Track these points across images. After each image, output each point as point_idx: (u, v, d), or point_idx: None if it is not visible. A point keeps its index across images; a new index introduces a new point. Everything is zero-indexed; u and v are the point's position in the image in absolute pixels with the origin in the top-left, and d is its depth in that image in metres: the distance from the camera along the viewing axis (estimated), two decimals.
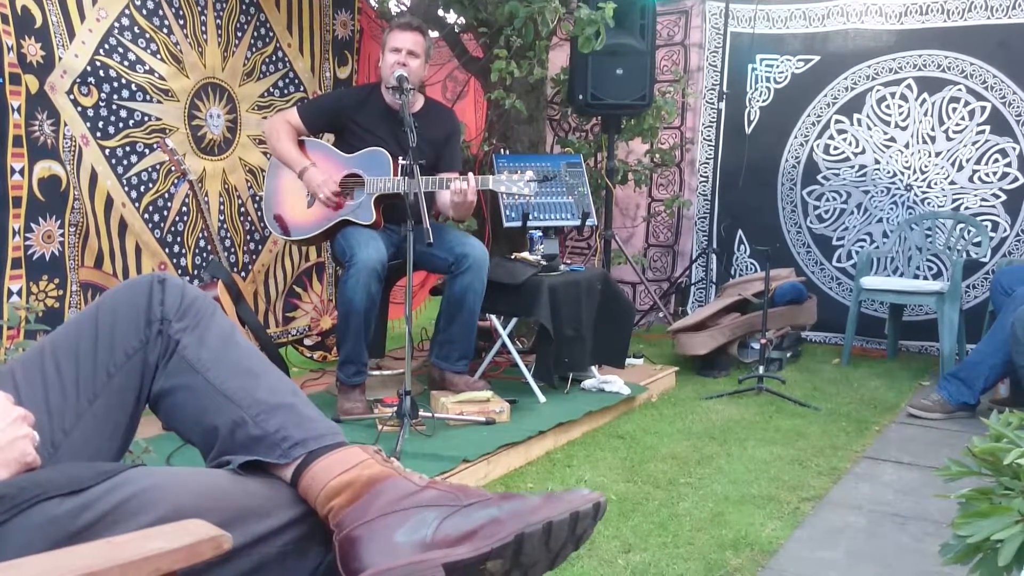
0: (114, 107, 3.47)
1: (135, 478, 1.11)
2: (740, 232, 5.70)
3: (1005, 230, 4.96)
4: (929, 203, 5.15)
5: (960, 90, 5.04)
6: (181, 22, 3.70)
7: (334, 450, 1.28)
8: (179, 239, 3.80)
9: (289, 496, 1.24)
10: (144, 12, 3.55)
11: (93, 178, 3.41)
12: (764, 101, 5.59)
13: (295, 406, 1.33)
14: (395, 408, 3.14)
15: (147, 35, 3.56)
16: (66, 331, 1.34)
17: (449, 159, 3.78)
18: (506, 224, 4.39)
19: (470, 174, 3.47)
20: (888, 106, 5.24)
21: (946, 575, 2.25)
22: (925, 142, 5.15)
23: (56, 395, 1.27)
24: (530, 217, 4.28)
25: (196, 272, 3.86)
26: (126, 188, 3.55)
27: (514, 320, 4.01)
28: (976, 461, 1.39)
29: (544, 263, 3.90)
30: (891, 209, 5.26)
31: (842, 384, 4.47)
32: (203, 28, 3.81)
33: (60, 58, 3.23)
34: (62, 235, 3.26)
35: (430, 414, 3.27)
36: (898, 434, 3.67)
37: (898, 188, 5.23)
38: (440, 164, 3.73)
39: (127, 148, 3.54)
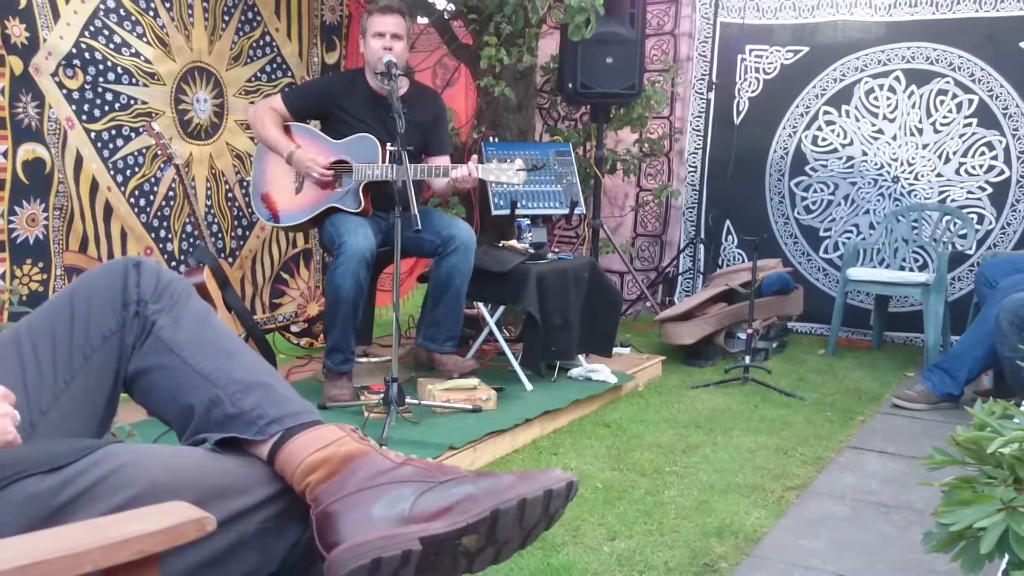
0: (100, 90, 3.44)
1: (113, 455, 1.11)
2: (728, 222, 5.71)
3: (991, 223, 4.98)
4: (916, 195, 5.17)
5: (948, 83, 5.05)
6: (167, 5, 3.67)
7: (310, 428, 1.29)
8: (165, 224, 3.77)
9: (266, 473, 1.25)
10: None
11: (78, 161, 3.38)
12: (753, 92, 5.59)
13: (271, 385, 1.34)
14: (382, 395, 3.14)
15: (133, 18, 3.53)
16: (42, 314, 1.34)
17: (438, 142, 3.77)
18: (494, 212, 4.39)
19: (470, 163, 3.46)
20: (876, 98, 5.25)
21: (928, 563, 2.27)
22: (912, 134, 5.16)
23: (33, 376, 1.27)
24: (518, 205, 4.27)
25: (183, 257, 3.83)
26: (112, 172, 3.52)
27: (501, 308, 4.01)
28: (959, 450, 1.40)
29: (532, 251, 3.90)
30: (878, 201, 5.28)
31: (827, 374, 4.49)
32: (190, 11, 3.78)
33: (45, 39, 3.20)
34: (46, 219, 3.24)
35: (416, 401, 3.27)
36: (882, 424, 3.69)
37: (885, 180, 5.25)
38: (429, 148, 3.73)
39: (113, 131, 3.51)
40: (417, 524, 1.18)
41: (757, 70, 5.57)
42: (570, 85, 4.77)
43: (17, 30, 3.09)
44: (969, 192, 5.03)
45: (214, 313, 1.43)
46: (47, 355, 1.29)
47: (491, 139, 4.70)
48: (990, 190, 4.98)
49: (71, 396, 1.30)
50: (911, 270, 5.11)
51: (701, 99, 5.70)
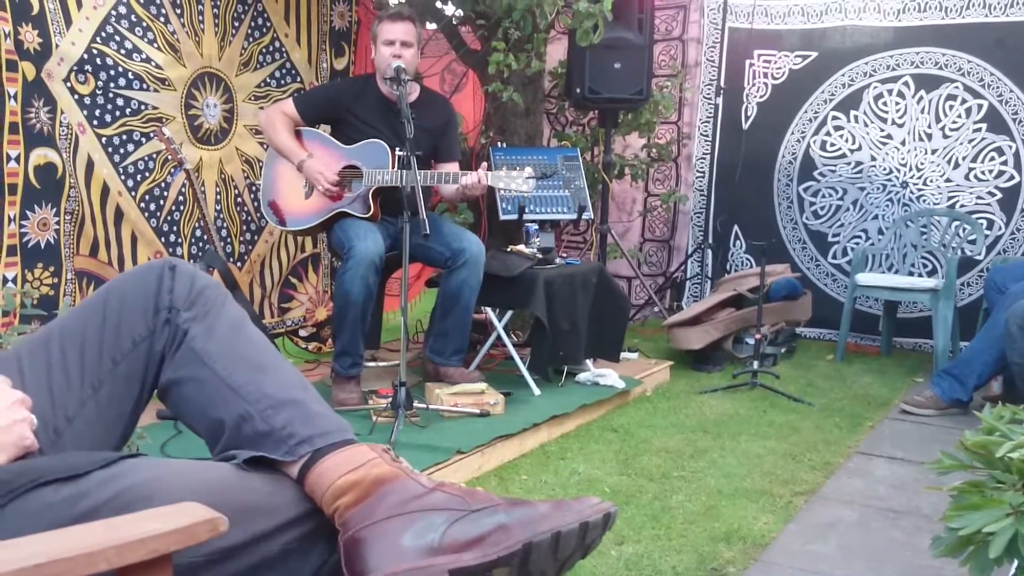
0: (111, 95, 3.46)
1: (135, 468, 1.10)
2: (736, 227, 5.71)
3: (1000, 228, 4.97)
4: (925, 200, 5.16)
5: (957, 87, 5.04)
6: (178, 11, 3.69)
7: (341, 448, 1.25)
8: (175, 228, 3.79)
9: (294, 494, 1.22)
10: (141, 1, 3.54)
11: (89, 166, 3.40)
12: (761, 97, 5.59)
13: (303, 402, 1.30)
14: (390, 399, 3.14)
15: (144, 24, 3.55)
16: (74, 316, 1.32)
17: (447, 148, 3.78)
18: (502, 217, 4.39)
19: (480, 171, 3.47)
20: (885, 103, 5.24)
21: (937, 569, 2.27)
22: (921, 139, 5.15)
23: (60, 381, 1.26)
24: (526, 210, 4.28)
25: (192, 262, 3.85)
26: (122, 177, 3.54)
27: (509, 313, 4.01)
28: (968, 454, 1.40)
29: (540, 256, 3.90)
30: (887, 206, 5.27)
31: (836, 380, 4.48)
32: (200, 17, 3.80)
33: (57, 45, 3.22)
34: (58, 223, 3.25)
35: (425, 405, 3.27)
36: (891, 430, 3.69)
37: (894, 185, 5.24)
38: (439, 154, 3.74)
39: (124, 137, 3.53)
40: (447, 555, 1.15)
41: (765, 75, 5.57)
42: (578, 90, 4.77)
43: (30, 36, 3.11)
44: (978, 197, 5.01)
45: (248, 320, 1.39)
46: (75, 359, 1.27)
47: (499, 144, 4.71)
48: (1000, 195, 4.97)
49: (98, 402, 1.28)
50: (920, 275, 5.10)
51: (709, 104, 5.70)
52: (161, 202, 3.72)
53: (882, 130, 5.25)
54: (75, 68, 3.30)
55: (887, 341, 5.14)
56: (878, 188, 5.28)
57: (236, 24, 3.98)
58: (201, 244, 3.87)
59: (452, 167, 3.75)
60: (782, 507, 2.77)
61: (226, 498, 1.11)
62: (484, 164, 3.54)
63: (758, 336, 4.27)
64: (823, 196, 5.45)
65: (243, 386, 1.29)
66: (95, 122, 3.41)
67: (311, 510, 1.22)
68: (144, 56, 3.56)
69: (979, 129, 5.00)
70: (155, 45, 3.60)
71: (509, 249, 3.99)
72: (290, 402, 1.29)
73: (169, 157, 3.55)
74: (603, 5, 4.07)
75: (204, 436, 1.34)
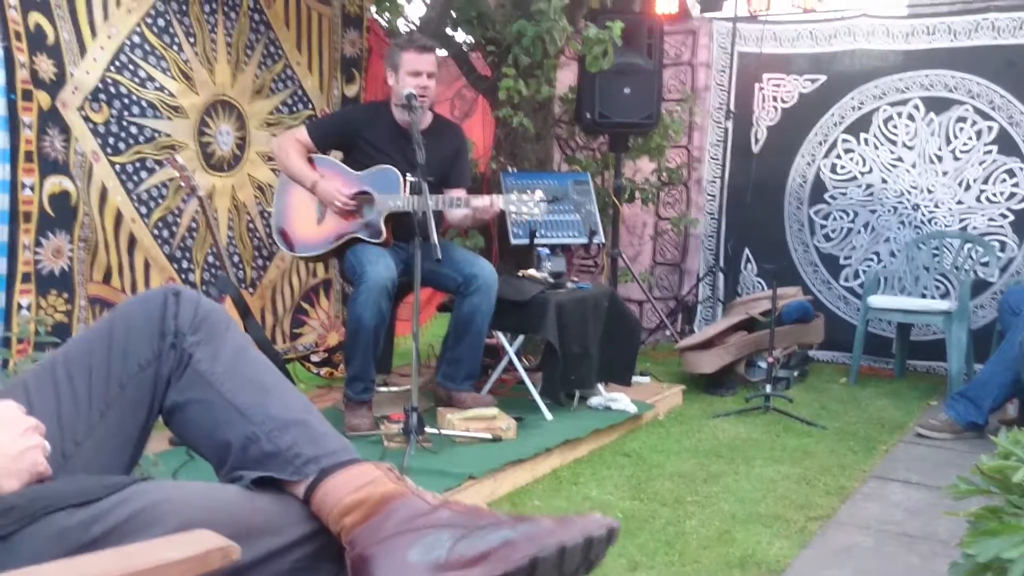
0: (124, 123, 3.49)
1: (145, 491, 1.11)
2: (747, 251, 5.70)
3: (1013, 250, 4.95)
4: (936, 223, 5.14)
5: (967, 110, 5.04)
6: (191, 40, 3.73)
7: (347, 467, 1.26)
8: (188, 255, 3.81)
9: (301, 513, 1.23)
10: (155, 30, 3.58)
11: (103, 194, 3.43)
12: (771, 120, 5.60)
13: (308, 422, 1.31)
14: (402, 424, 3.14)
15: (158, 52, 3.59)
16: (79, 343, 1.34)
17: (458, 175, 3.79)
18: (513, 241, 4.40)
19: (493, 195, 3.49)
20: (895, 126, 5.24)
21: None
22: (932, 162, 5.15)
23: (68, 406, 1.27)
24: (537, 235, 4.29)
25: (204, 288, 3.86)
26: (136, 204, 3.57)
27: (521, 337, 4.01)
28: (985, 479, 1.39)
29: (551, 280, 3.90)
30: (898, 228, 5.26)
31: (849, 403, 4.46)
32: (213, 46, 3.84)
33: (72, 75, 3.25)
34: (71, 250, 3.28)
35: (436, 430, 3.26)
36: (906, 454, 3.66)
37: (905, 207, 5.23)
38: (449, 180, 3.75)
39: (137, 164, 3.56)
40: (454, 571, 1.15)
41: (775, 99, 5.59)
42: (588, 115, 4.80)
43: (45, 66, 3.15)
44: (991, 219, 5.00)
45: (252, 345, 1.41)
46: (83, 384, 1.29)
47: (509, 169, 4.72)
48: (1012, 217, 4.95)
49: (106, 427, 1.29)
50: (933, 298, 5.08)
51: (719, 128, 5.72)
52: (174, 229, 3.74)
53: (892, 152, 5.25)
54: (89, 97, 3.34)
55: (900, 364, 5.11)
56: (889, 210, 5.27)
57: (248, 52, 4.02)
58: (213, 270, 3.89)
59: (460, 194, 3.76)
60: (797, 532, 2.74)
61: (234, 518, 1.13)
62: (493, 195, 3.55)
63: (771, 359, 4.25)
64: (834, 219, 5.44)
65: (249, 407, 1.30)
66: (109, 150, 3.44)
67: (318, 529, 1.23)
68: (158, 85, 3.60)
69: (990, 151, 4.99)
70: (168, 74, 3.64)
71: (520, 274, 3.99)
72: (295, 423, 1.30)
73: (182, 184, 3.57)
74: (612, 31, 4.10)
75: (210, 458, 1.35)
